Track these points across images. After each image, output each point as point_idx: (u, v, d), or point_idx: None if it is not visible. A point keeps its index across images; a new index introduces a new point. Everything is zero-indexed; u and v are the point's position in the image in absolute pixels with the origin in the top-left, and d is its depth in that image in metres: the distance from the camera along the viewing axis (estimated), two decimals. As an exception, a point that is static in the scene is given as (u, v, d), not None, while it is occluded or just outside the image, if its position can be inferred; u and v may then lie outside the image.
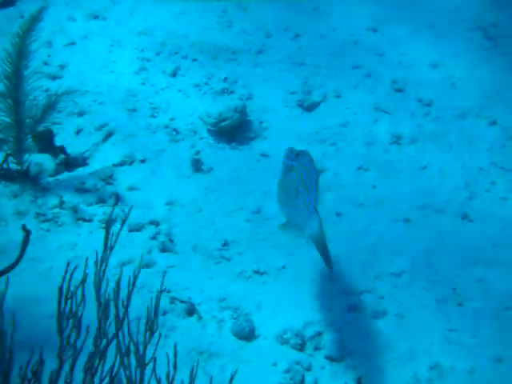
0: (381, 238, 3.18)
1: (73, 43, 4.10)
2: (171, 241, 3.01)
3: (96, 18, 4.35)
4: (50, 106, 3.12)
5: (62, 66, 3.88)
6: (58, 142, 3.36)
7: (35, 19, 2.73)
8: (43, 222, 2.89)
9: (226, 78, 4.20)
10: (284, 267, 3.01)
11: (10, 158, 2.94)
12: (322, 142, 3.79)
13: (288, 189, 2.58)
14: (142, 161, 3.44)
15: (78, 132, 3.50)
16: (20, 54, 2.69)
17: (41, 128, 3.16)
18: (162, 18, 4.53)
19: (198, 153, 3.60)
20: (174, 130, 3.73)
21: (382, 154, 3.74)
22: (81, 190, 3.14)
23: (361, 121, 3.95)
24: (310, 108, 4.05)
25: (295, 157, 2.64)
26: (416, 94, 4.14)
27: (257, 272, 2.97)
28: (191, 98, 3.99)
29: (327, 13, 4.93)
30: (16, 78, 2.73)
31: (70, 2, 4.42)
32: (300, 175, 2.56)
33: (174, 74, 4.15)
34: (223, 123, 3.71)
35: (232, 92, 4.12)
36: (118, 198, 3.15)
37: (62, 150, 3.24)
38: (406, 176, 3.60)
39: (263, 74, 4.29)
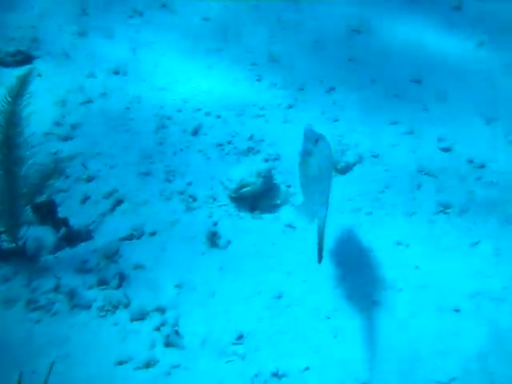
0: (424, 334, 2.70)
1: (90, 101, 3.91)
2: (177, 333, 2.63)
3: (117, 73, 4.18)
4: (54, 173, 2.88)
5: (74, 126, 3.67)
6: (62, 211, 3.10)
7: (23, 82, 2.51)
8: (34, 310, 2.60)
9: (251, 136, 3.89)
10: (308, 368, 2.57)
11: (3, 236, 2.70)
12: (357, 211, 3.37)
13: (306, 176, 2.74)
14: (152, 234, 3.13)
15: (84, 200, 3.24)
16: (10, 121, 2.46)
17: (43, 197, 2.93)
18: (187, 73, 4.31)
19: (215, 224, 3.26)
20: (191, 196, 3.41)
21: (425, 226, 3.28)
22: (82, 270, 2.84)
23: (401, 185, 3.52)
24: (343, 171, 3.65)
25: (315, 141, 2.77)
26: (466, 153, 3.70)
27: (275, 375, 2.54)
28: (212, 159, 3.69)
29: (365, 63, 4.60)
30: (7, 146, 2.50)
31: (91, 56, 4.28)
32: (318, 163, 2.69)
33: (195, 133, 3.87)
34: (244, 189, 3.36)
35: (258, 152, 3.79)
36: (122, 279, 2.83)
37: (64, 222, 2.98)
38: (455, 254, 3.12)
39: (293, 132, 3.95)
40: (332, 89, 4.31)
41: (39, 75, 3.93)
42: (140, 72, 4.22)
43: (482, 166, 3.58)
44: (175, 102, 4.05)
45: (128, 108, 3.90)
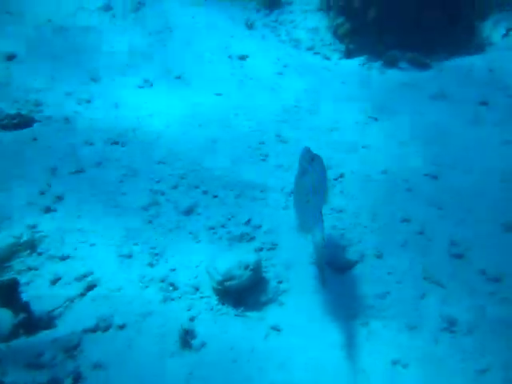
0: None
1: (82, 171, 3.77)
2: None
3: (116, 143, 4.07)
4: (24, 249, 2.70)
5: (59, 197, 3.52)
6: (28, 292, 2.89)
7: None
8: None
9: (248, 221, 3.66)
10: None
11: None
12: (353, 318, 3.06)
13: (301, 193, 2.90)
14: (121, 327, 2.86)
15: (54, 281, 3.02)
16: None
17: (6, 275, 2.74)
18: (189, 146, 4.18)
19: (192, 319, 2.98)
20: (172, 284, 3.16)
21: (429, 344, 2.92)
22: (34, 365, 2.58)
23: (405, 293, 3.20)
24: (342, 268, 3.37)
25: (311, 160, 2.99)
26: (480, 263, 3.37)
27: None
28: (202, 243, 3.46)
29: (377, 149, 4.40)
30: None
31: (93, 123, 4.20)
32: (312, 181, 2.88)
33: (188, 212, 3.67)
34: (229, 283, 3.10)
35: (252, 239, 3.54)
36: (76, 380, 2.56)
37: (24, 307, 2.75)
38: (459, 381, 2.75)
39: (293, 220, 3.73)
40: (341, 176, 4.10)
41: (35, 139, 3.84)
42: (140, 143, 4.10)
43: (497, 280, 3.24)
44: (172, 178, 3.89)
45: (121, 181, 3.75)
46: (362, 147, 4.45)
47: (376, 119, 4.87)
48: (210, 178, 3.93)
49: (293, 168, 4.17)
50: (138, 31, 5.43)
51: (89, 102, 4.37)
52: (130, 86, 4.68)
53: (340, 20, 6.36)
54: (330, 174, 4.11)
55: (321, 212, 2.80)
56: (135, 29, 5.48)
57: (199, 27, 5.76)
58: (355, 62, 5.91)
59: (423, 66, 5.87)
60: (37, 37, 4.95)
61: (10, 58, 4.61)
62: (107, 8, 5.62)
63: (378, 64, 5.89)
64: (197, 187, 3.86)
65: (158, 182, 3.84)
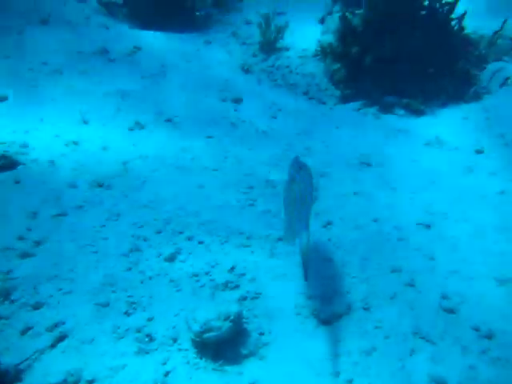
0: None
1: (63, 214, 3.73)
2: None
3: (101, 185, 4.04)
4: None
5: (38, 242, 3.46)
6: (-4, 343, 2.80)
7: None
8: None
9: (232, 268, 3.58)
10: None
11: None
12: (337, 375, 2.92)
13: (289, 200, 3.12)
14: (90, 382, 2.75)
15: (25, 331, 2.91)
16: None
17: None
18: (176, 190, 4.14)
19: (167, 374, 2.86)
20: (148, 335, 3.04)
21: (415, 407, 2.78)
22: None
23: (392, 349, 3.07)
24: (327, 321, 3.25)
25: (299, 169, 3.22)
26: (473, 318, 3.25)
27: None
28: (184, 291, 3.36)
29: (372, 197, 4.34)
30: None
31: (79, 166, 4.19)
32: (299, 189, 3.11)
33: (171, 259, 3.59)
34: (207, 334, 2.99)
35: (237, 287, 3.45)
36: None
37: (-10, 358, 2.65)
38: None
39: (279, 268, 3.63)
40: (329, 223, 4.04)
41: (17, 182, 3.82)
42: (126, 187, 4.07)
43: (490, 337, 3.11)
44: (156, 223, 3.83)
45: (103, 226, 3.69)
46: (354, 194, 4.40)
47: (369, 165, 4.84)
48: (195, 224, 3.87)
49: (281, 214, 4.12)
50: (133, 74, 5.50)
51: (76, 144, 4.36)
52: (121, 129, 4.68)
53: (336, 66, 6.44)
54: (318, 221, 4.05)
55: (307, 217, 3.02)
56: (130, 71, 5.55)
57: (192, 71, 5.83)
58: (351, 108, 5.94)
59: (418, 112, 5.89)
60: (31, 78, 5.02)
61: (1, 99, 4.65)
62: (103, 51, 5.72)
63: (373, 109, 5.92)
64: (181, 233, 3.79)
65: (142, 226, 3.77)
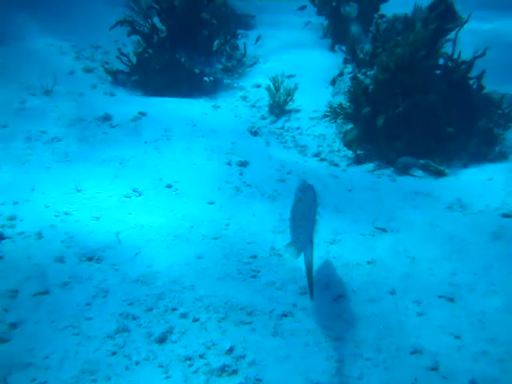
0: None
1: (45, 292, 3.46)
2: None
3: (90, 259, 3.81)
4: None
5: (14, 325, 3.17)
6: None
7: None
8: None
9: (230, 349, 3.24)
10: None
11: None
12: None
13: (295, 218, 3.45)
14: None
15: (-14, 430, 2.63)
16: None
17: None
18: (171, 262, 3.88)
19: None
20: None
21: None
22: None
23: None
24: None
25: (304, 190, 3.53)
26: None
27: None
28: (174, 378, 3.02)
29: (388, 267, 4.01)
30: None
31: (69, 239, 3.98)
32: (305, 207, 3.41)
33: (161, 340, 3.27)
34: (196, 434, 2.64)
35: (235, 372, 3.11)
36: None
37: None
38: None
39: (283, 349, 3.28)
40: (340, 296, 3.70)
41: (1, 257, 3.62)
42: (117, 260, 3.83)
43: None
44: (148, 299, 3.54)
45: (89, 304, 3.43)
46: (367, 263, 4.08)
47: (384, 230, 4.53)
48: (191, 299, 3.58)
49: (286, 285, 3.82)
50: (135, 139, 5.42)
51: (68, 214, 4.19)
52: (116, 196, 4.52)
53: (348, 127, 6.30)
54: (328, 295, 3.73)
55: (311, 232, 3.32)
56: (132, 137, 5.49)
57: (198, 135, 5.74)
58: (364, 169, 5.71)
59: (438, 173, 5.61)
60: (26, 147, 4.97)
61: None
62: (106, 118, 5.69)
63: (388, 171, 5.68)
64: (175, 309, 3.49)
65: (131, 304, 3.49)
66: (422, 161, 5.75)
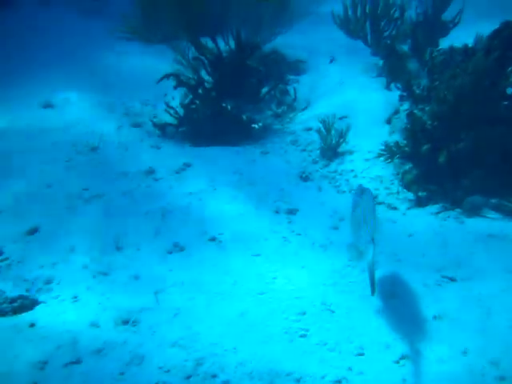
0: None
1: (77, 362, 3.27)
2: None
3: (125, 323, 3.62)
4: None
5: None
6: None
7: None
8: None
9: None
10: None
11: None
12: None
13: (354, 222, 3.66)
14: None
15: None
16: None
17: None
18: (212, 321, 3.62)
19: None
20: None
21: None
22: None
23: None
24: None
25: (361, 193, 3.84)
26: None
27: None
28: None
29: (459, 322, 3.55)
30: None
31: (105, 301, 3.85)
32: (363, 211, 3.62)
33: (201, 411, 3.01)
34: None
35: None
36: None
37: None
38: None
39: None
40: (403, 357, 3.29)
41: (32, 325, 3.50)
42: (155, 321, 3.62)
43: None
44: (186, 364, 3.29)
45: (122, 373, 3.20)
46: (434, 318, 3.64)
47: (452, 280, 4.08)
48: (233, 364, 3.29)
49: (340, 345, 3.44)
50: (178, 191, 5.34)
51: (105, 274, 4.07)
52: (157, 252, 4.37)
53: (407, 166, 5.92)
54: (389, 355, 3.32)
55: (372, 234, 3.44)
56: (176, 188, 5.41)
57: (244, 183, 5.57)
58: (427, 212, 5.28)
59: (515, 214, 5.12)
60: (68, 206, 4.99)
61: (32, 232, 4.59)
62: (149, 172, 5.68)
63: (455, 213, 5.21)
64: (214, 376, 3.22)
65: (168, 371, 3.25)
66: (493, 200, 5.26)
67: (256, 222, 4.95)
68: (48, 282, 3.98)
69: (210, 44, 7.46)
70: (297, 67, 9.79)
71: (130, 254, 4.33)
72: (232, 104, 7.32)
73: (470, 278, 4.07)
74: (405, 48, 8.94)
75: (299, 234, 4.78)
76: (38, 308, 3.72)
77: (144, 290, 3.93)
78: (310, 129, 7.18)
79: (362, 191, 3.86)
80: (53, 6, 11.41)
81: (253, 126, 7.25)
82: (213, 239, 4.62)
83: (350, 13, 9.06)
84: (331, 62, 9.68)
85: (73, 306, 3.74)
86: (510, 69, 5.74)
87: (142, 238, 4.56)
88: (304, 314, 3.74)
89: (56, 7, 11.34)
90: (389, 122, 7.12)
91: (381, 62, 8.90)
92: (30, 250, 4.35)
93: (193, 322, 3.63)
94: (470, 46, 6.40)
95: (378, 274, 4.11)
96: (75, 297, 3.83)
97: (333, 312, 3.78)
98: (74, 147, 6.03)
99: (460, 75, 5.49)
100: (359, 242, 3.44)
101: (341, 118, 7.29)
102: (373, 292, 3.47)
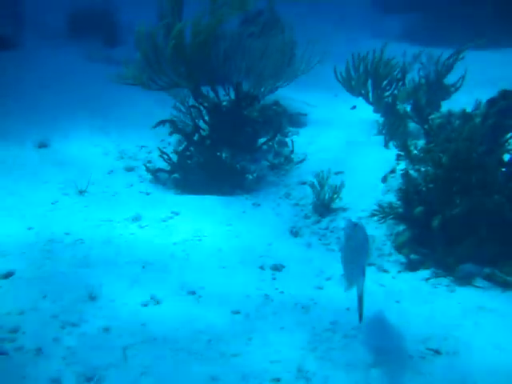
0: None
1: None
2: None
3: (89, 379, 3.44)
4: None
5: None
6: None
7: None
8: None
9: None
10: None
11: None
12: None
13: (346, 255, 3.87)
14: None
15: None
16: None
17: None
18: (180, 385, 3.47)
19: None
20: None
21: None
22: None
23: None
24: None
25: (353, 227, 3.96)
26: None
27: None
28: None
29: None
30: None
31: (69, 355, 3.70)
32: (356, 244, 3.85)
33: None
34: None
35: None
36: None
37: None
38: None
39: None
40: None
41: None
42: (120, 380, 3.44)
43: None
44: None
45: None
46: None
47: (438, 352, 3.89)
48: (197, 434, 3.12)
49: None
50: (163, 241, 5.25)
51: (75, 325, 3.91)
52: (132, 305, 4.23)
53: (400, 228, 5.83)
54: None
55: (363, 266, 3.75)
56: (162, 238, 5.32)
57: (231, 235, 5.48)
58: (418, 277, 5.13)
59: (506, 285, 4.92)
60: (45, 250, 4.89)
61: (7, 275, 4.48)
62: (135, 218, 5.62)
63: (447, 280, 5.07)
64: None
65: None
66: (487, 269, 5.12)
67: (239, 277, 4.82)
68: (13, 331, 3.82)
69: (211, 94, 7.58)
70: (298, 120, 9.87)
71: (104, 305, 4.19)
72: (227, 153, 7.35)
73: (455, 353, 3.91)
74: (407, 108, 9.05)
75: (282, 293, 4.64)
76: (-2, 359, 3.58)
77: (113, 344, 3.78)
78: (304, 182, 7.14)
79: (354, 225, 3.99)
80: (61, 49, 11.78)
81: (247, 176, 7.24)
82: (192, 293, 4.47)
83: (351, 71, 9.18)
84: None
85: (35, 359, 3.58)
86: (507, 136, 5.76)
87: (118, 288, 4.43)
88: (278, 380, 3.57)
89: (64, 51, 11.69)
90: (385, 180, 7.08)
91: (381, 120, 8.99)
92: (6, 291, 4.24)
93: (159, 383, 3.47)
94: (468, 111, 6.48)
95: (360, 341, 4.00)
96: (39, 349, 3.68)
97: (309, 380, 3.62)
98: (61, 190, 6.01)
99: (454, 139, 5.48)
100: (351, 275, 3.73)
101: (336, 174, 7.28)
102: (360, 319, 3.75)
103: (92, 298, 4.25)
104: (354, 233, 3.87)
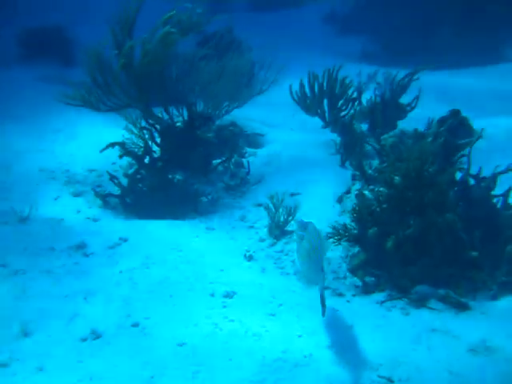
0: None
1: None
2: None
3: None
4: None
5: None
6: None
7: None
8: None
9: None
10: None
11: None
12: None
13: (302, 254, 4.09)
14: None
15: None
16: None
17: None
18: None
19: None
20: None
21: None
22: None
23: None
24: None
25: (304, 228, 4.21)
26: None
27: None
28: None
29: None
30: None
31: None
32: (310, 242, 4.02)
33: None
34: None
35: None
36: None
37: None
38: None
39: None
40: None
41: None
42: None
43: None
44: None
45: None
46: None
47: (390, 381, 3.81)
48: None
49: None
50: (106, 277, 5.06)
51: (5, 366, 3.68)
52: (70, 340, 4.01)
53: (355, 250, 5.79)
54: None
55: (321, 263, 3.95)
56: (107, 268, 5.11)
57: (182, 261, 5.32)
58: (372, 300, 5.07)
59: (460, 306, 4.90)
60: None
61: None
62: (80, 246, 5.40)
63: (402, 302, 5.00)
64: None
65: None
66: (441, 291, 5.09)
67: (187, 305, 4.65)
68: None
69: (164, 115, 7.46)
70: (255, 140, 9.81)
71: (39, 341, 3.97)
72: (181, 175, 7.21)
73: (408, 379, 3.83)
74: (364, 127, 9.11)
75: (232, 321, 4.49)
76: None
77: (48, 386, 3.57)
78: (260, 204, 7.04)
79: (304, 225, 4.25)
80: (16, 69, 11.52)
81: (201, 198, 7.11)
82: (136, 325, 4.29)
83: (307, 90, 9.15)
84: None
85: None
86: (458, 155, 5.81)
87: (56, 323, 4.21)
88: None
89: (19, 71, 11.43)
90: (340, 201, 7.05)
91: (338, 140, 9.01)
92: None
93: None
94: (420, 130, 6.54)
95: (312, 370, 3.89)
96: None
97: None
98: (1, 218, 5.75)
99: (405, 159, 5.49)
100: (309, 271, 3.97)
101: (292, 195, 7.23)
102: (323, 313, 3.85)
103: (26, 334, 3.99)
104: (306, 232, 4.10)
